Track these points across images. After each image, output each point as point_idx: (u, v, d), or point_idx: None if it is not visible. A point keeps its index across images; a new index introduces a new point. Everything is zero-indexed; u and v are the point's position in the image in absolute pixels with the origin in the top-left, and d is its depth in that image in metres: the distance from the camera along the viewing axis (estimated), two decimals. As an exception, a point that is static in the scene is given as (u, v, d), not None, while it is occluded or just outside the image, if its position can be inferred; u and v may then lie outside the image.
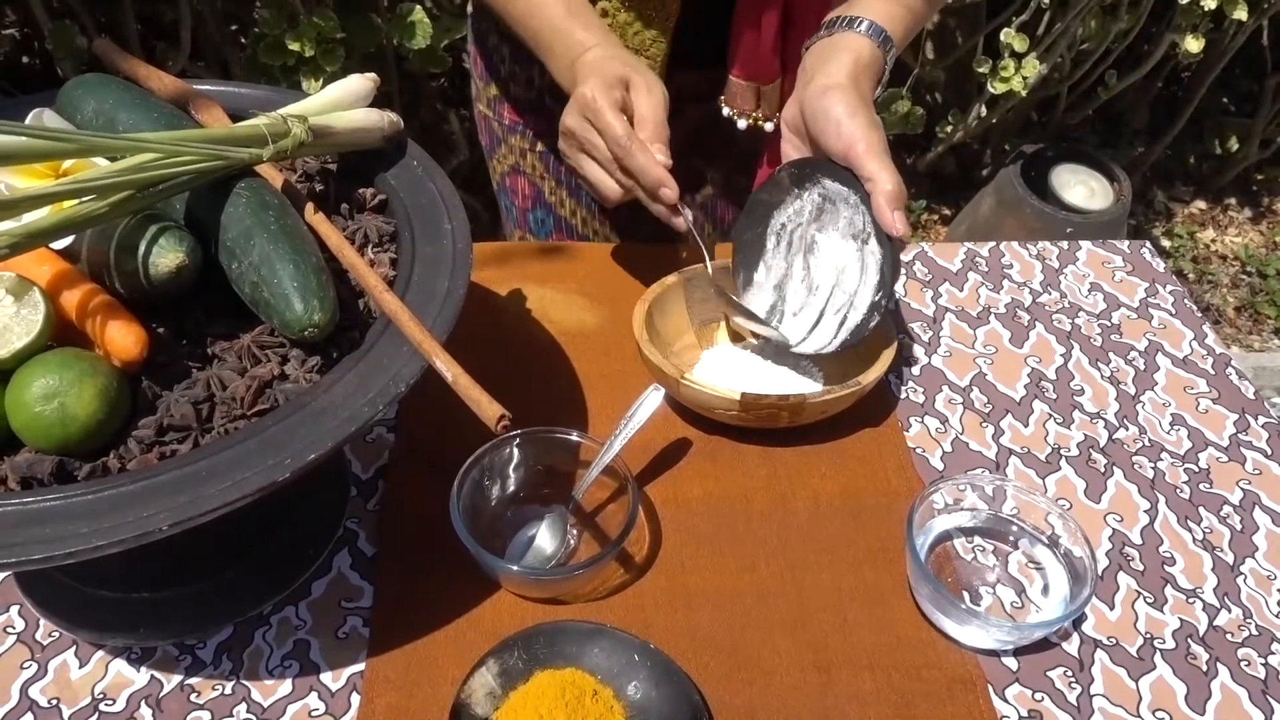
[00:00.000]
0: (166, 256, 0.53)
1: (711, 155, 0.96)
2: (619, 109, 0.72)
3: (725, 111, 0.87)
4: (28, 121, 0.57)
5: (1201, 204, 2.53)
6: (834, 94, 0.70)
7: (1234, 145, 2.44)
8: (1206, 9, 1.84)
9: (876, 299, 0.71)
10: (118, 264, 0.53)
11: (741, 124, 0.87)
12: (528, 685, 0.57)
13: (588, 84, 0.73)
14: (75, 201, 0.51)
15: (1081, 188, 2.06)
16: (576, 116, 0.74)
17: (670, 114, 0.75)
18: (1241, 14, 1.86)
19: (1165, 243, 2.42)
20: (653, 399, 0.67)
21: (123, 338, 0.52)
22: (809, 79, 0.73)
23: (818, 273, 0.75)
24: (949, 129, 2.17)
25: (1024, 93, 1.95)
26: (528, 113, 0.96)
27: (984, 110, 2.09)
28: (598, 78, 0.73)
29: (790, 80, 0.84)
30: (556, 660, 0.58)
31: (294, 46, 1.51)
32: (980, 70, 1.96)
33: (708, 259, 0.78)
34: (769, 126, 0.86)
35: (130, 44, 1.65)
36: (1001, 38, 1.92)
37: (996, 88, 1.94)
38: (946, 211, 2.41)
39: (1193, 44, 1.93)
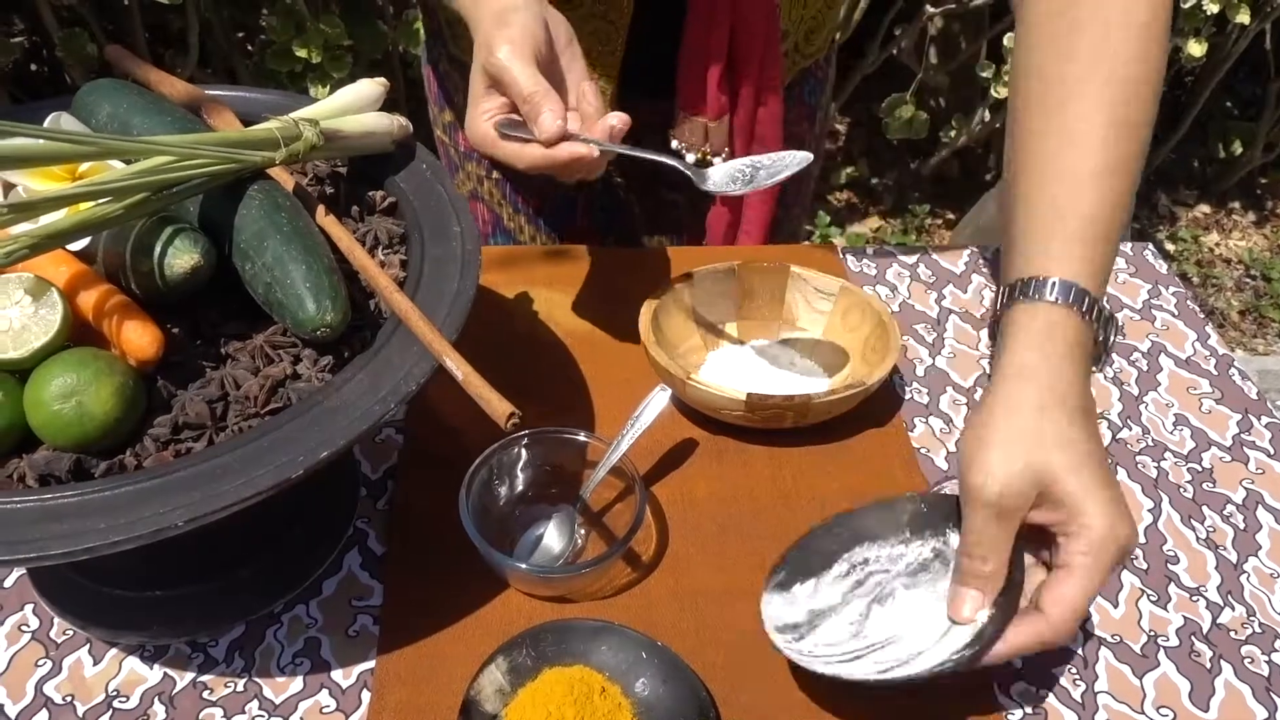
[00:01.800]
0: (181, 258, 0.54)
1: (675, 182, 0.96)
2: (530, 58, 0.60)
3: (675, 145, 0.87)
4: (46, 125, 0.58)
5: (1206, 208, 2.54)
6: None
7: (1238, 149, 2.44)
8: (1209, 13, 1.85)
9: (941, 665, 0.54)
10: (134, 265, 0.54)
11: (690, 158, 0.87)
12: (536, 682, 0.58)
13: (493, 42, 0.61)
14: (92, 204, 0.52)
15: (1085, 191, 2.06)
16: (480, 75, 0.63)
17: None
18: (1244, 18, 1.87)
19: (1169, 246, 2.42)
20: (659, 399, 0.68)
21: (139, 337, 0.53)
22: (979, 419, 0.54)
23: (875, 625, 0.58)
24: (953, 133, 2.18)
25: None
26: None
27: (987, 115, 2.10)
28: (502, 34, 0.60)
29: (740, 115, 0.85)
30: (565, 658, 0.59)
31: (301, 53, 1.52)
32: (983, 75, 1.97)
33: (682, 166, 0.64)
34: (718, 161, 0.86)
35: (138, 51, 1.66)
36: (1004, 42, 1.93)
37: (1000, 92, 1.95)
38: (950, 215, 2.42)
39: (1195, 48, 1.93)
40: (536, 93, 0.59)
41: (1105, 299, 0.56)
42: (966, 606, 0.52)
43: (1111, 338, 0.56)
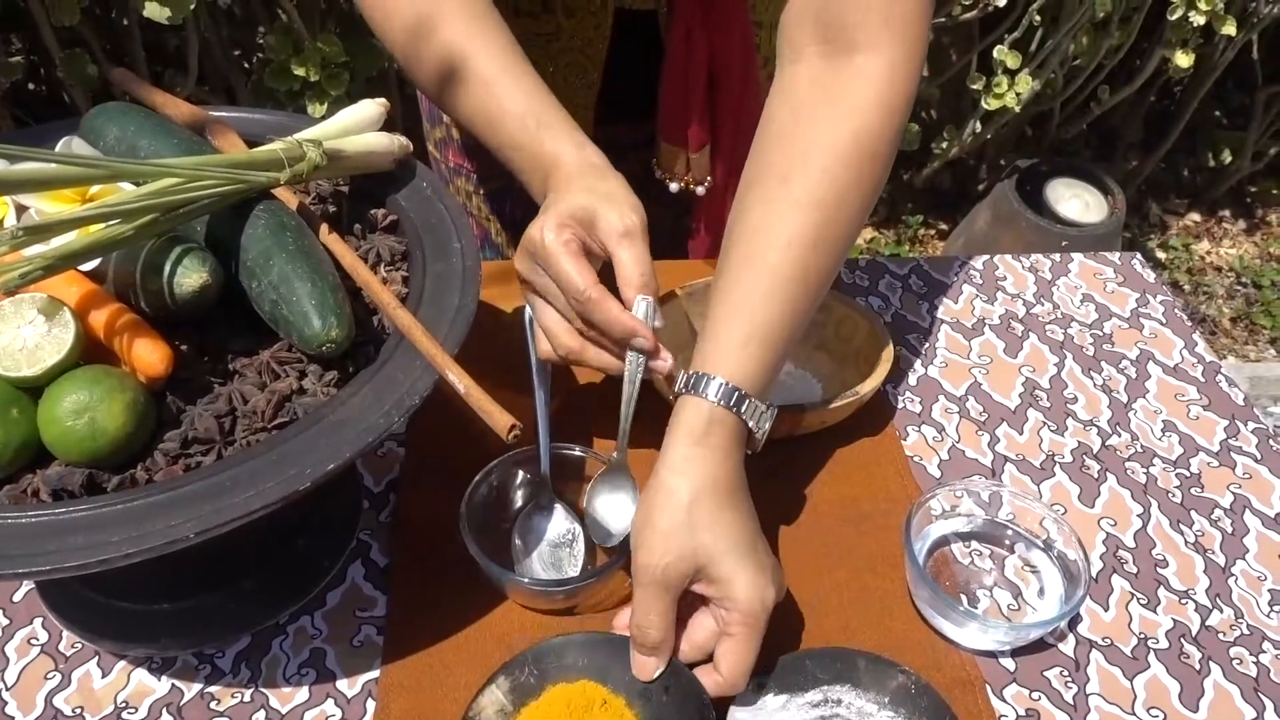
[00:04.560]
0: (190, 276, 0.55)
1: (657, 198, 0.97)
2: (578, 251, 0.61)
3: (657, 174, 0.88)
4: (58, 149, 0.60)
5: (1196, 216, 2.56)
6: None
7: (1227, 158, 2.46)
8: (1196, 24, 1.87)
9: None
10: (143, 284, 0.56)
11: (673, 187, 0.88)
12: (539, 701, 0.58)
13: (538, 222, 0.62)
14: (102, 225, 0.53)
15: (1076, 201, 2.09)
16: (526, 260, 0.63)
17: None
18: (1230, 29, 1.89)
19: (1160, 255, 2.44)
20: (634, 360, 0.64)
21: (149, 355, 0.54)
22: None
23: None
24: (944, 145, 2.20)
25: (1017, 109, 1.98)
26: (470, 156, 0.98)
27: (979, 126, 2.12)
28: (553, 212, 0.62)
29: (723, 145, 0.86)
30: (568, 673, 0.59)
31: (299, 71, 1.54)
32: (974, 87, 1.99)
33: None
34: (700, 190, 0.88)
35: (138, 70, 1.68)
36: (994, 55, 1.95)
37: (990, 104, 1.97)
38: (943, 226, 2.44)
39: (1183, 59, 1.96)
40: (583, 291, 0.60)
41: (765, 397, 0.62)
42: (645, 670, 0.58)
43: (766, 426, 0.62)
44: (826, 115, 0.64)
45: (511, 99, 0.67)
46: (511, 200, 0.99)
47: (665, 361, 0.62)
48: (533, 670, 0.59)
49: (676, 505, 0.57)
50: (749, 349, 0.61)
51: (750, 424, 0.61)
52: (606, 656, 0.60)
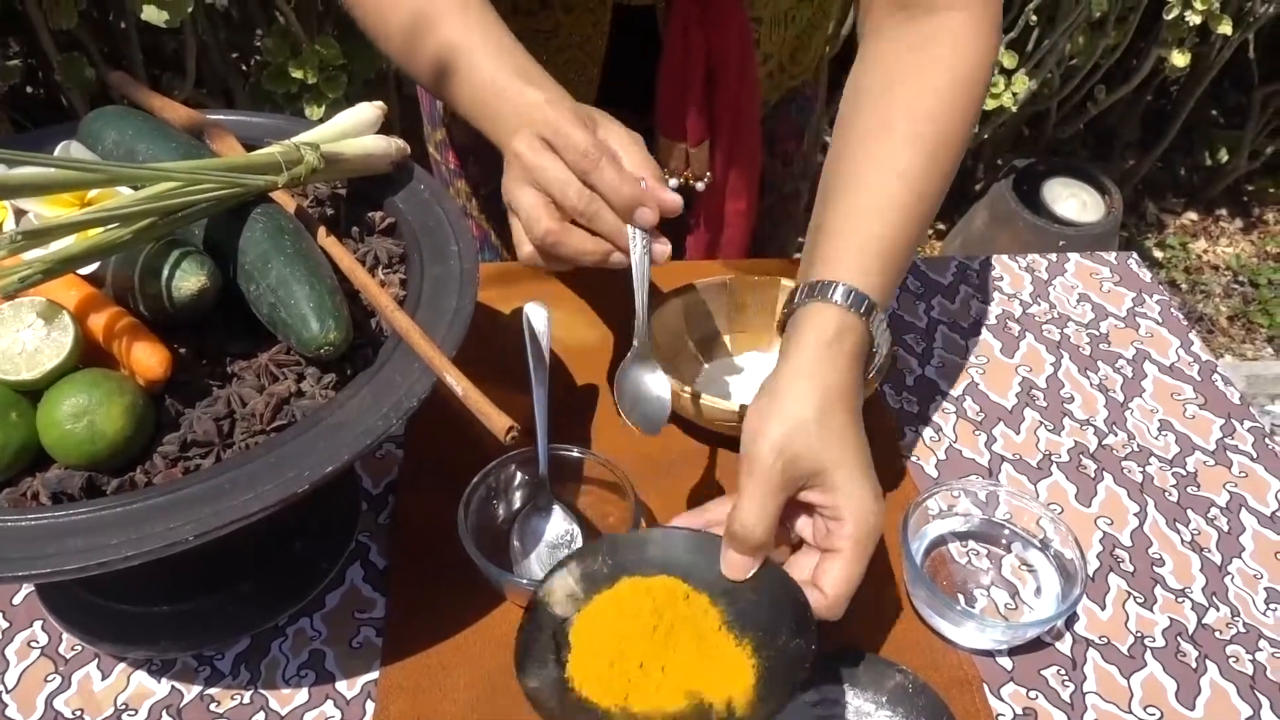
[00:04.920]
0: (188, 280, 0.55)
1: None
2: (581, 122, 0.60)
3: None
4: (56, 153, 0.60)
5: (1193, 215, 2.56)
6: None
7: (1224, 157, 2.47)
8: (1192, 24, 1.87)
9: None
10: (142, 287, 0.56)
11: (672, 183, 0.88)
12: (613, 589, 0.55)
13: (548, 113, 0.61)
14: (101, 229, 0.53)
15: (1073, 201, 2.09)
16: (528, 138, 0.60)
17: None
18: (1226, 28, 1.90)
19: (1158, 254, 2.44)
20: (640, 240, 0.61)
21: (147, 358, 0.54)
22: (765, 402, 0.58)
23: None
24: (942, 145, 2.20)
25: (1014, 108, 1.98)
26: (471, 159, 0.98)
27: (975, 126, 2.12)
28: (553, 104, 0.61)
29: (721, 139, 0.85)
30: (644, 567, 0.56)
31: (297, 74, 1.54)
32: (971, 87, 1.99)
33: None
34: (700, 186, 0.88)
35: (135, 73, 1.68)
36: (991, 55, 1.95)
37: (987, 104, 1.98)
38: (941, 226, 2.44)
39: (1179, 58, 1.96)
40: (592, 149, 0.58)
41: (884, 318, 0.61)
42: (739, 569, 0.56)
43: (882, 351, 0.62)
44: (919, 65, 0.66)
45: (504, 76, 0.64)
46: None
47: (665, 246, 0.59)
48: (607, 560, 0.57)
49: (803, 406, 0.55)
50: (870, 261, 0.60)
51: (876, 336, 0.60)
52: (687, 553, 0.57)
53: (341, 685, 0.62)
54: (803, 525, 0.59)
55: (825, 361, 0.57)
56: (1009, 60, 1.94)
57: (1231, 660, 0.64)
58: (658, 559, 0.57)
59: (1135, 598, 0.68)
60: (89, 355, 0.55)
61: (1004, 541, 0.70)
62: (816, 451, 0.55)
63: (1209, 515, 0.73)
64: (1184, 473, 0.76)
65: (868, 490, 0.56)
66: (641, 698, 0.52)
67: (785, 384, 0.57)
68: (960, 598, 0.67)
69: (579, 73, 0.86)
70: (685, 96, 0.83)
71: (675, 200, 0.59)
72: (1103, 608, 0.67)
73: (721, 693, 0.52)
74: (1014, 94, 1.96)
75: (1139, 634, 0.66)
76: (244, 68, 1.92)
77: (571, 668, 0.53)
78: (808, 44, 0.92)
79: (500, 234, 1.02)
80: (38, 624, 0.65)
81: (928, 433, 0.79)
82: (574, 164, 0.58)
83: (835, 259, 0.61)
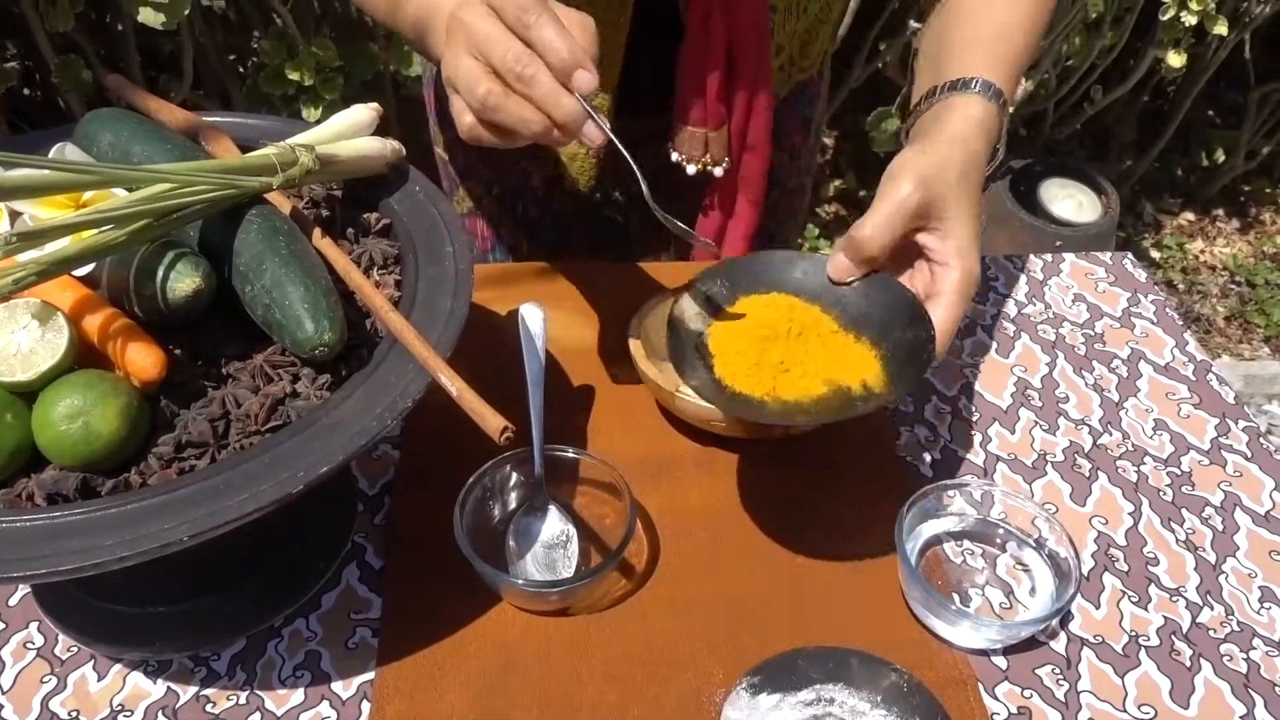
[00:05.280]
0: (183, 281, 0.56)
1: (671, 196, 0.97)
2: None
3: (675, 157, 0.89)
4: (51, 155, 0.60)
5: (1190, 215, 2.57)
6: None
7: (1220, 157, 2.47)
8: (1188, 24, 1.88)
9: None
10: (137, 289, 0.56)
11: (691, 169, 0.88)
12: (735, 306, 0.64)
13: None
14: (95, 231, 0.53)
15: (1070, 201, 2.09)
16: (471, 5, 0.56)
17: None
18: (1222, 29, 1.90)
19: (1155, 254, 2.45)
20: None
21: (142, 359, 0.54)
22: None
23: None
24: (939, 146, 2.20)
25: (1011, 109, 1.98)
26: (481, 158, 0.99)
27: (973, 127, 2.12)
28: None
29: (736, 124, 0.86)
30: (759, 287, 0.64)
31: (294, 76, 1.54)
32: (968, 88, 2.00)
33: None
34: (718, 171, 0.88)
35: (132, 76, 1.68)
36: (987, 56, 1.95)
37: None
38: (938, 227, 2.44)
39: (1175, 59, 1.96)
40: (532, 6, 0.54)
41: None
42: (844, 271, 0.63)
43: (1000, 154, 0.69)
44: None
45: None
46: (524, 200, 1.00)
47: (598, 135, 0.55)
48: (725, 282, 0.64)
49: (949, 160, 0.62)
50: (998, 65, 0.68)
51: (1004, 131, 0.67)
52: (797, 273, 0.64)
53: (337, 686, 0.62)
54: (907, 278, 0.64)
55: (973, 136, 0.64)
56: (1005, 61, 1.94)
57: (1225, 659, 0.64)
58: (771, 279, 0.65)
59: (1130, 597, 0.68)
60: (84, 357, 0.55)
61: (999, 541, 0.70)
62: (948, 200, 0.61)
63: (1203, 514, 0.73)
64: (1178, 472, 0.77)
65: (975, 248, 0.62)
66: (788, 388, 0.60)
67: (935, 143, 0.64)
68: (955, 597, 0.67)
69: (600, 61, 0.85)
70: (705, 77, 0.84)
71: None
72: (1097, 607, 0.67)
73: (856, 377, 0.60)
74: (1011, 95, 1.96)
75: (1133, 633, 0.66)
76: (241, 70, 1.92)
77: (719, 370, 0.61)
78: (816, 37, 0.92)
79: (513, 233, 1.02)
80: (34, 625, 0.65)
81: (923, 432, 0.79)
82: (513, 22, 0.55)
83: (970, 63, 0.68)
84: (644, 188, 0.61)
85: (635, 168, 0.60)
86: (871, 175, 2.53)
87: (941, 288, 0.61)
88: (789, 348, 0.61)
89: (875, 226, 0.61)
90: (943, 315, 0.60)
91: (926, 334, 0.59)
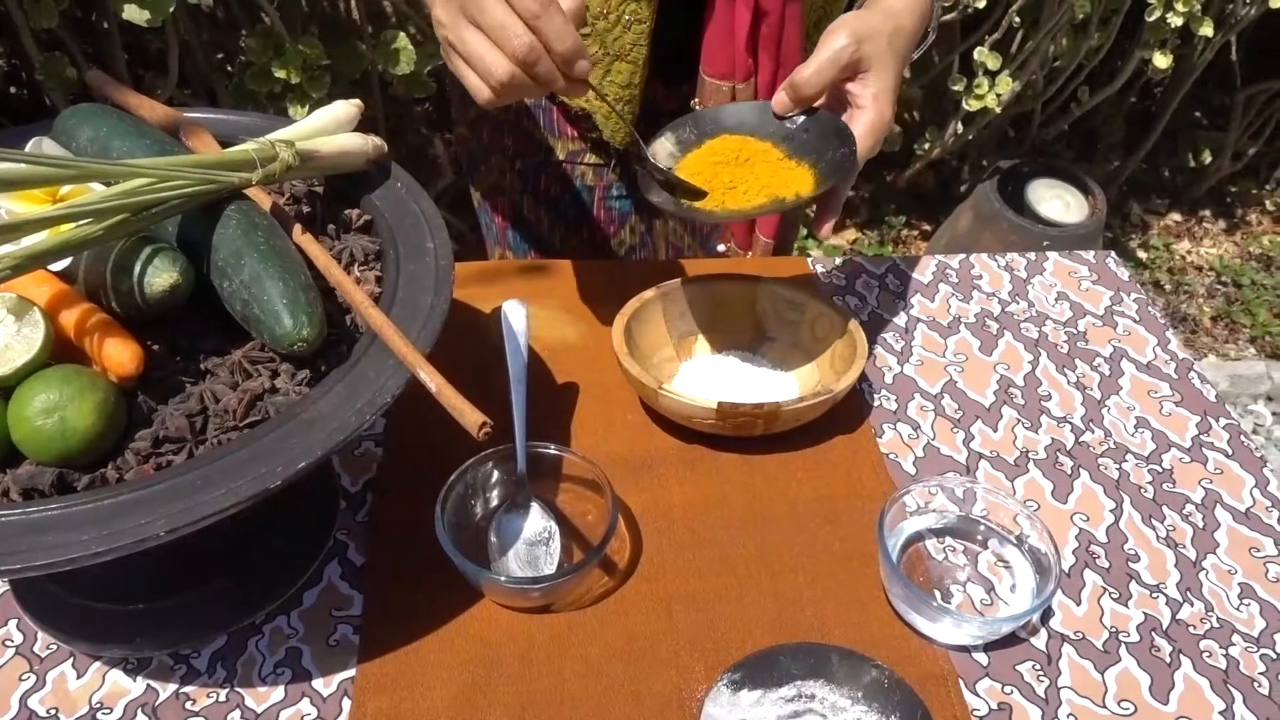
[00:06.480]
0: (161, 276, 0.55)
1: None
2: None
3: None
4: (27, 149, 0.60)
5: (1177, 216, 2.58)
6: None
7: (1207, 158, 2.49)
8: (1174, 25, 1.88)
9: None
10: (114, 284, 0.56)
11: None
12: (701, 146, 0.74)
13: None
14: (72, 225, 0.53)
15: (1057, 202, 2.10)
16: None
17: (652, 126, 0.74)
18: (1208, 30, 1.91)
19: (1141, 254, 2.46)
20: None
21: (119, 354, 0.54)
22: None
23: None
24: (927, 146, 2.21)
25: (999, 110, 1.99)
26: (507, 133, 0.99)
27: (960, 127, 2.13)
28: None
29: (763, 78, 0.87)
30: (721, 131, 0.74)
31: (280, 74, 1.53)
32: (955, 88, 2.00)
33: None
34: None
35: (118, 73, 1.67)
36: (975, 56, 1.96)
37: (972, 105, 1.99)
38: (926, 227, 2.45)
39: (1161, 60, 1.97)
40: None
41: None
42: (785, 107, 0.73)
43: (930, 38, 0.79)
44: None
45: None
46: (547, 174, 1.00)
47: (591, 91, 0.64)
48: (693, 130, 0.75)
49: (884, 26, 0.71)
50: None
51: (935, 18, 0.78)
52: (753, 117, 0.74)
53: (318, 683, 0.62)
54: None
55: (905, 12, 0.74)
56: (993, 62, 1.95)
57: (1205, 655, 0.65)
58: (732, 124, 0.75)
59: (1110, 593, 0.68)
60: (60, 351, 0.55)
61: (980, 538, 0.70)
62: (876, 57, 0.70)
63: (1184, 511, 0.74)
64: (1160, 469, 0.77)
65: (891, 100, 0.71)
66: (735, 200, 0.71)
67: (873, 12, 0.73)
68: (936, 593, 0.67)
69: (634, 14, 0.85)
70: (733, 26, 0.84)
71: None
72: (1078, 603, 0.67)
73: (791, 190, 0.70)
74: (998, 95, 1.96)
75: (1114, 629, 0.66)
76: (228, 68, 1.91)
77: (679, 191, 0.71)
78: (829, 14, 0.92)
79: (534, 210, 1.02)
80: (12, 622, 0.65)
81: (906, 430, 0.79)
82: (522, 8, 0.58)
83: None
84: (642, 148, 0.71)
85: (625, 121, 0.74)
86: (859, 175, 2.54)
87: (857, 128, 0.70)
88: (737, 171, 0.72)
89: (813, 72, 0.70)
90: (863, 120, 0.70)
91: (850, 149, 0.69)
